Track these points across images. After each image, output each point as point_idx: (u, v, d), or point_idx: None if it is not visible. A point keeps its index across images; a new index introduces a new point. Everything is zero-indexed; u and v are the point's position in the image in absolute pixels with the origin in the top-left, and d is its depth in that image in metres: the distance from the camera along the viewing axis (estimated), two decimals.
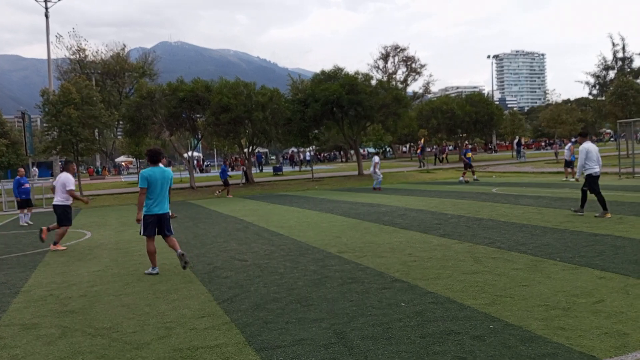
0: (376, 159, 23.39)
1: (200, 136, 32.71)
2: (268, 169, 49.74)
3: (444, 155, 46.45)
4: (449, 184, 22.90)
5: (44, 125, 34.22)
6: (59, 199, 10.34)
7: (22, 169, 17.29)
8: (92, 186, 35.02)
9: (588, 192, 10.86)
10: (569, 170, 21.64)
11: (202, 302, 5.78)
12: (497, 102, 71.62)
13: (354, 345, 4.21)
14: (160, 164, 7.68)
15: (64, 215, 10.33)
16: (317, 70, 33.95)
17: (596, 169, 10.71)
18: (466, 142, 42.30)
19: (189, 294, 6.17)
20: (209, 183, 32.13)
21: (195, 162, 44.73)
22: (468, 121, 43.33)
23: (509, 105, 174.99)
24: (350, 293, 5.78)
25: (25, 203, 16.31)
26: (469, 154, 24.55)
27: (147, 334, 4.82)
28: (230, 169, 50.70)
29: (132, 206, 21.41)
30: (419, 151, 42.04)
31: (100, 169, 60.66)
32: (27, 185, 16.43)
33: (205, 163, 67.70)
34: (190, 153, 33.10)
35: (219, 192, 24.70)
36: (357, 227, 11.03)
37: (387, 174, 33.34)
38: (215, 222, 13.73)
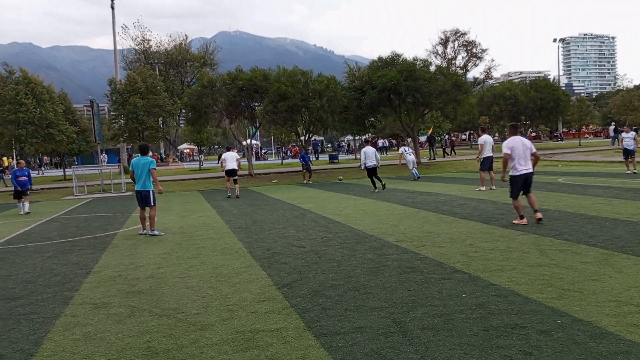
0: (404, 149, 22.89)
1: (258, 124, 33.20)
2: (324, 157, 49.94)
3: (452, 148, 44.30)
4: None
5: (112, 113, 35.79)
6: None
7: (22, 161, 17.83)
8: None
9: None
10: (630, 160, 19.98)
11: (262, 287, 5.89)
12: (564, 88, 68.36)
13: (414, 335, 4.16)
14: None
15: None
16: (374, 57, 33.51)
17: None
18: (529, 130, 39.81)
19: (250, 278, 6.30)
20: (267, 170, 32.63)
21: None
22: (532, 108, 41.65)
23: (576, 91, 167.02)
24: (409, 282, 5.72)
25: (20, 194, 16.62)
26: None
27: (211, 315, 4.97)
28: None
29: (195, 192, 22.10)
30: (426, 145, 40.18)
31: (164, 156, 62.87)
32: (22, 178, 16.65)
33: (263, 151, 68.78)
34: (249, 141, 33.66)
35: (308, 179, 24.42)
36: (415, 216, 10.89)
37: (446, 162, 32.69)
38: (273, 208, 13.94)
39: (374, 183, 17.56)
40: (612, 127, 45.02)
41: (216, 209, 14.72)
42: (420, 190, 16.70)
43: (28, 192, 16.97)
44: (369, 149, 17.65)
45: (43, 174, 47.35)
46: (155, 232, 10.34)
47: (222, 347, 4.14)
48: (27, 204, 16.60)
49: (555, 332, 4.06)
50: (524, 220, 9.02)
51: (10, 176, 20.19)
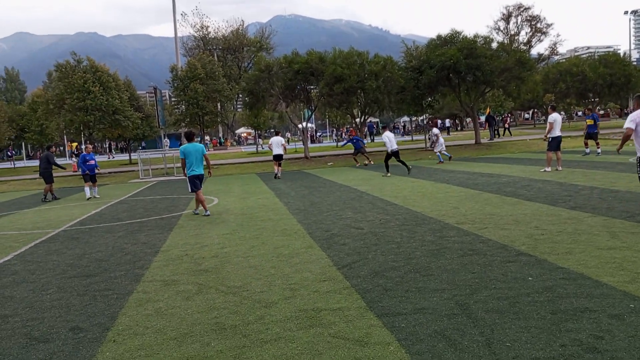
0: (435, 130, 23.02)
1: (314, 107, 33.31)
2: (380, 139, 49.53)
3: (506, 126, 42.20)
4: (577, 152, 21.15)
5: (173, 99, 36.89)
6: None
7: (90, 146, 18.08)
8: (216, 156, 37.31)
9: None
10: None
11: (323, 267, 5.97)
12: (635, 63, 64.25)
13: (479, 317, 4.10)
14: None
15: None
16: (431, 35, 32.67)
17: None
18: (598, 107, 36.95)
19: (310, 259, 6.40)
20: (322, 153, 32.77)
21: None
22: (601, 84, 39.41)
23: None
24: (471, 265, 5.63)
25: (88, 177, 16.83)
26: (590, 121, 20.26)
27: (274, 294, 5.10)
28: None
29: (253, 175, 22.54)
30: (486, 125, 38.44)
31: (223, 140, 64.38)
32: (91, 162, 16.92)
33: (319, 133, 68.98)
34: (304, 124, 33.84)
35: (366, 161, 24.18)
36: (476, 198, 10.65)
37: (507, 142, 31.64)
38: (330, 191, 14.01)
39: (387, 167, 17.75)
40: None
41: (274, 191, 14.96)
42: (481, 172, 16.29)
43: (96, 178, 17.45)
44: (390, 134, 18.27)
45: (114, 157, 49.65)
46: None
47: (286, 324, 4.25)
48: (96, 189, 17.26)
49: (627, 317, 3.90)
50: None
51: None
